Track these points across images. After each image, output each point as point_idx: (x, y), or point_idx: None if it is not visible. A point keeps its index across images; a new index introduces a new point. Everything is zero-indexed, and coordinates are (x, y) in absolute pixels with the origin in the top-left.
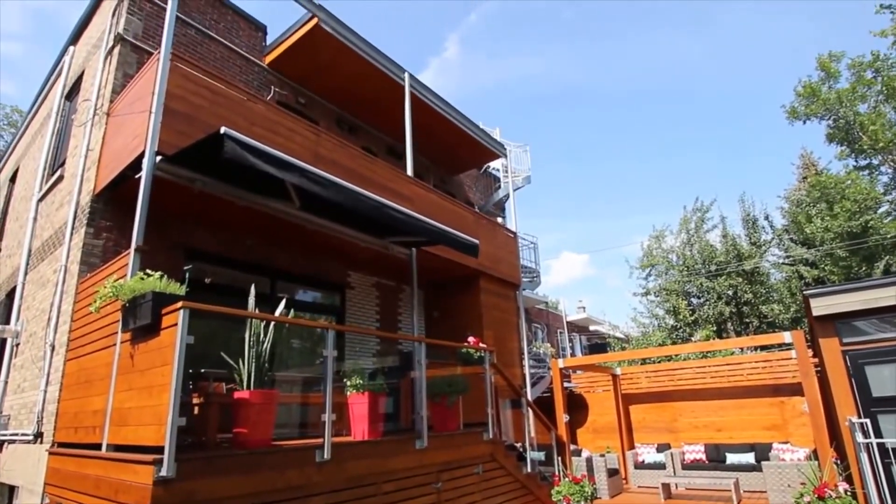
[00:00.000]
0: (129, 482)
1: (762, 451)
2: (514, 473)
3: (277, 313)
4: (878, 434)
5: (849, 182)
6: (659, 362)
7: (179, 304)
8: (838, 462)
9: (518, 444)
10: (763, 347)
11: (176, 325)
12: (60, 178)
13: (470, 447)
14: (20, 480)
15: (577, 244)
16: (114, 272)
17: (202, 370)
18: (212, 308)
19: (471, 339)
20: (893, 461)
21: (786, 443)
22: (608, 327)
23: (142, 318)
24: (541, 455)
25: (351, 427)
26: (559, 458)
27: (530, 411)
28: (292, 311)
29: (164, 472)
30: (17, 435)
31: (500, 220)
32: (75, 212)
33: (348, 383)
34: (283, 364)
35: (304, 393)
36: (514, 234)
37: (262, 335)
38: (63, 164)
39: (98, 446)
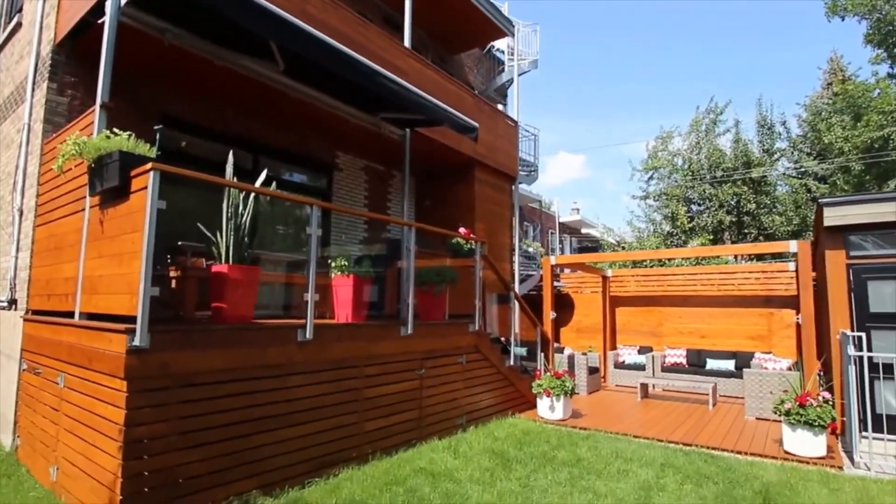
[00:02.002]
0: (102, 350)
1: (743, 360)
2: (496, 365)
3: (258, 185)
4: (870, 349)
5: (877, 91)
6: (651, 266)
7: (149, 165)
8: (821, 374)
9: (502, 339)
10: (759, 258)
11: (146, 188)
12: (18, 25)
13: (455, 337)
14: None
15: (575, 145)
16: (78, 131)
17: (179, 243)
18: (185, 172)
19: (462, 229)
20: (880, 376)
21: (768, 353)
22: (602, 229)
23: (109, 180)
24: (523, 351)
25: (334, 310)
26: (542, 354)
27: (517, 305)
28: (274, 184)
29: (136, 342)
30: None
31: (500, 107)
32: (36, 64)
33: (333, 265)
34: (266, 245)
35: (287, 273)
36: (516, 122)
37: (241, 207)
38: (21, 8)
39: (71, 314)
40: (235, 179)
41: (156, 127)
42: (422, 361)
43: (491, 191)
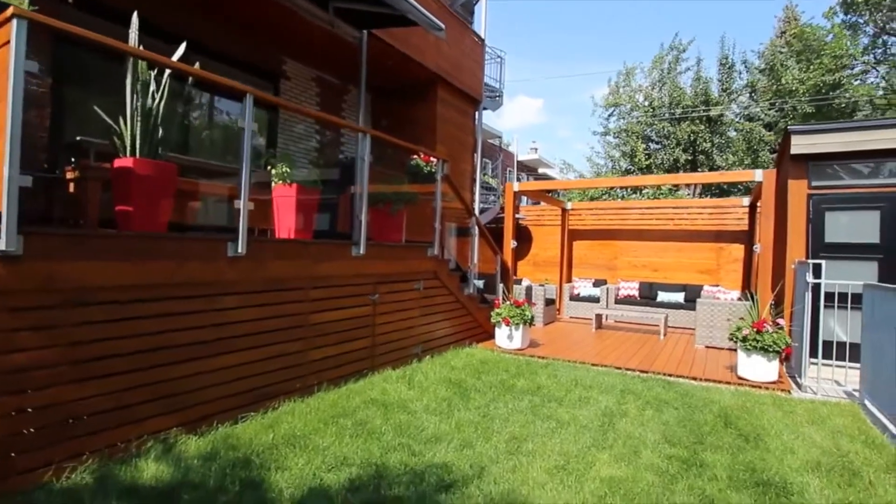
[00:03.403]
0: None
1: (692, 292)
2: (455, 293)
3: (174, 59)
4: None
5: (831, 36)
6: (608, 199)
7: (10, 10)
8: (772, 304)
9: (462, 268)
10: (711, 193)
11: (7, 43)
12: None
13: (412, 261)
14: None
15: (534, 88)
16: None
17: (78, 138)
18: (64, 26)
19: (421, 153)
20: (834, 305)
21: (716, 286)
22: (562, 165)
23: None
24: (480, 284)
25: (275, 224)
26: (502, 284)
27: (477, 231)
28: (197, 64)
29: (2, 246)
30: None
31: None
32: None
33: (273, 172)
34: (196, 152)
35: (213, 182)
36: (482, 41)
37: (153, 87)
38: None
39: None
40: (142, 48)
41: None
42: (375, 286)
43: (454, 113)
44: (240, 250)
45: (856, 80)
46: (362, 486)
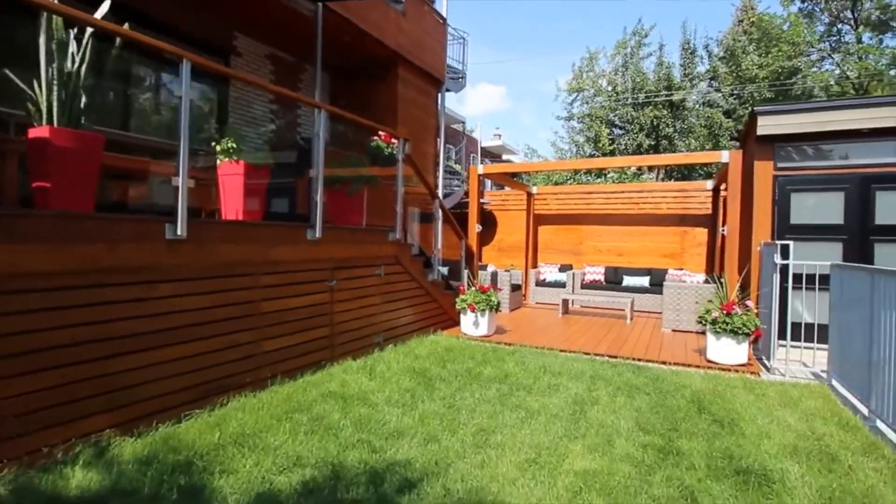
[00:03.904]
0: None
1: (657, 276)
2: (418, 279)
3: (98, 16)
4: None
5: (787, 24)
6: (573, 184)
7: None
8: (740, 286)
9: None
10: (674, 178)
11: None
12: None
13: (372, 246)
14: None
15: (497, 75)
16: None
17: None
18: None
19: (381, 133)
20: (802, 286)
21: (681, 269)
22: (526, 150)
23: None
24: (445, 271)
25: (221, 205)
26: (468, 269)
27: (441, 213)
28: (126, 25)
29: None
30: None
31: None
32: None
33: (218, 149)
34: (132, 127)
35: (157, 161)
36: (444, 20)
37: (73, 49)
38: None
39: None
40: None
41: None
42: (333, 271)
43: (415, 94)
44: (179, 232)
45: (812, 67)
46: (317, 489)
